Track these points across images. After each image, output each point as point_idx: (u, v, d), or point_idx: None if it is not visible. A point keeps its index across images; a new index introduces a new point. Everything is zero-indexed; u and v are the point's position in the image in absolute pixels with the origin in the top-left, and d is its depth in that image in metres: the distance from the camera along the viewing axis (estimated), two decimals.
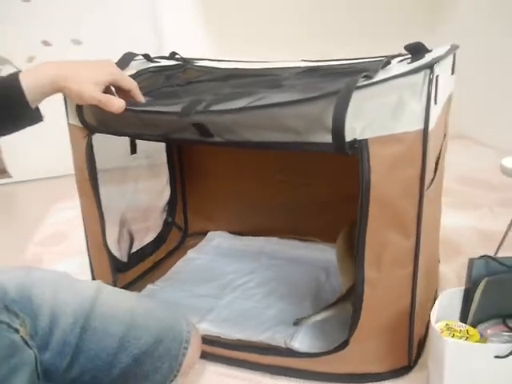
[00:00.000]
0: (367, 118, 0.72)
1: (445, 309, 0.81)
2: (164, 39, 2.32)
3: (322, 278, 1.20)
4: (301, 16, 2.35)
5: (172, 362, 0.81)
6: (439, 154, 0.95)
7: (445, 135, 1.05)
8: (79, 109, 0.91)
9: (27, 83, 0.79)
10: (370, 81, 0.72)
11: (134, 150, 1.22)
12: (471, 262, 0.79)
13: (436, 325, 0.76)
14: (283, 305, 1.10)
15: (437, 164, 0.91)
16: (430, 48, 0.89)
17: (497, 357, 0.67)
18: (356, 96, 0.70)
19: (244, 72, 1.09)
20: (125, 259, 1.25)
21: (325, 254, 1.27)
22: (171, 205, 1.46)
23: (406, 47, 0.87)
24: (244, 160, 1.31)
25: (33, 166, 2.39)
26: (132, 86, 0.88)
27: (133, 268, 1.27)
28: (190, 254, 1.39)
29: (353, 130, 0.72)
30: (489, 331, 0.76)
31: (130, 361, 0.75)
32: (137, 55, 1.15)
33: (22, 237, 1.67)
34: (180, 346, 0.82)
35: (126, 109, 0.82)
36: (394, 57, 0.93)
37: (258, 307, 1.10)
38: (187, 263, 1.34)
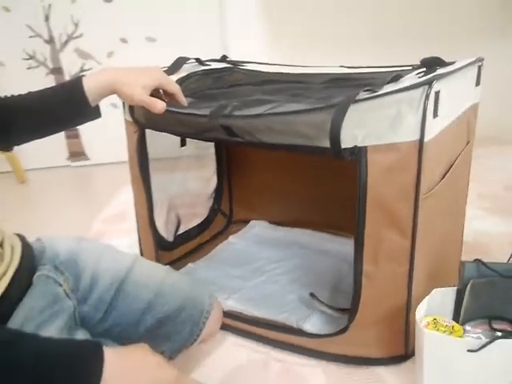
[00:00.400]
0: (368, 127, 0.81)
1: (438, 306, 0.87)
2: (229, 42, 2.47)
3: (344, 271, 1.28)
4: (364, 19, 2.40)
5: (193, 328, 0.94)
6: (454, 160, 1.00)
7: (468, 143, 1.10)
8: (131, 108, 1.07)
9: (89, 86, 0.94)
10: (373, 94, 0.80)
11: (183, 142, 1.38)
12: (463, 264, 0.86)
13: (424, 319, 0.84)
14: (304, 292, 1.20)
15: (448, 170, 0.96)
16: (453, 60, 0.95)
17: (469, 350, 0.74)
18: (358, 107, 0.80)
19: (280, 77, 1.19)
20: (171, 239, 1.41)
21: (351, 247, 1.34)
22: (218, 193, 1.60)
23: (422, 61, 0.94)
24: (284, 156, 1.42)
25: (107, 150, 2.65)
26: (175, 89, 1.01)
27: (178, 248, 1.43)
28: (231, 239, 1.53)
29: (355, 138, 0.82)
30: (467, 328, 0.82)
31: (154, 322, 0.89)
32: (189, 59, 1.28)
33: (91, 214, 1.90)
34: (201, 315, 0.96)
35: (166, 110, 0.96)
36: (417, 67, 0.99)
37: (281, 291, 1.21)
38: (227, 247, 1.49)
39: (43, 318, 0.72)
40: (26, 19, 2.50)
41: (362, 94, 0.80)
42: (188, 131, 1.00)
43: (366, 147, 0.81)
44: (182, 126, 1.00)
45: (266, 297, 1.20)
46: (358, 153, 0.81)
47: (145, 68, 1.01)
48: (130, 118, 1.11)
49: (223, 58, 1.40)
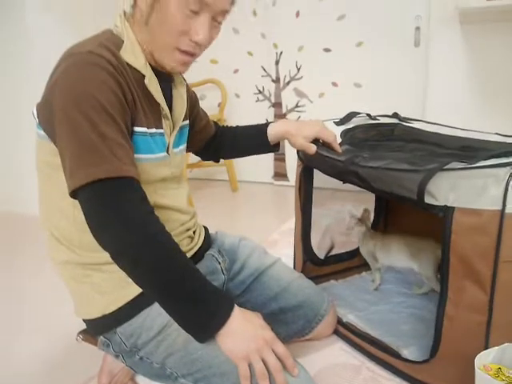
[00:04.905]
0: (459, 192, 0.97)
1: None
2: (428, 98, 2.61)
3: None
4: None
5: (306, 323, 1.23)
6: None
7: None
8: (297, 150, 1.41)
9: (270, 131, 1.31)
10: (466, 166, 0.97)
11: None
12: None
13: (491, 365, 0.95)
14: (418, 327, 1.35)
15: None
16: None
17: None
18: (453, 175, 0.97)
19: (427, 138, 1.38)
20: (322, 257, 1.70)
21: None
22: (373, 228, 1.82)
23: None
24: None
25: None
26: (331, 139, 1.29)
27: (327, 266, 1.71)
28: None
29: (447, 199, 0.99)
30: None
31: (276, 308, 1.21)
32: (360, 113, 1.56)
33: (276, 225, 2.32)
34: (315, 317, 1.24)
35: (318, 153, 1.26)
36: None
37: (398, 321, 1.38)
38: (369, 275, 1.70)
39: None
40: (261, 62, 3.11)
41: (456, 164, 0.97)
42: (331, 171, 1.29)
43: (454, 208, 0.98)
44: (327, 167, 1.29)
45: (383, 322, 1.38)
46: (447, 211, 0.99)
47: (310, 121, 1.33)
48: (297, 156, 1.46)
49: (394, 115, 1.63)
